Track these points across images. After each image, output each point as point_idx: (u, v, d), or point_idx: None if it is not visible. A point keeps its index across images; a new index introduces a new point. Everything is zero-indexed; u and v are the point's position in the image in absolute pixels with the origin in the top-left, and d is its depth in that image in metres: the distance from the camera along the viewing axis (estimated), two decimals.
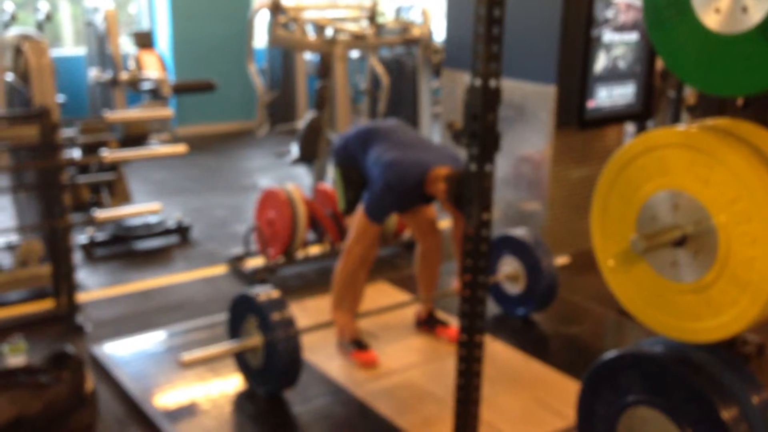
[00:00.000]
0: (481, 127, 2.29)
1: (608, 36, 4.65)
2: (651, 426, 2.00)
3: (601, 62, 4.68)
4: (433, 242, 3.71)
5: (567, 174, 4.93)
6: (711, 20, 1.77)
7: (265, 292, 3.22)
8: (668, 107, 6.06)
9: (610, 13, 4.62)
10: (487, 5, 2.18)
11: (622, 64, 4.81)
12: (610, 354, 2.10)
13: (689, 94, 4.77)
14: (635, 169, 1.96)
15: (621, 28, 4.71)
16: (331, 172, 5.62)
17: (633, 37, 4.79)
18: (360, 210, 3.40)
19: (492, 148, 2.34)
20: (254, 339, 3.19)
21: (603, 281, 2.22)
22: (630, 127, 6.34)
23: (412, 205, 3.50)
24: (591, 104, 4.73)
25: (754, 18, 1.68)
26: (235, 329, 3.34)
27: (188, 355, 3.14)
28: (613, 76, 4.79)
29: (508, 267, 3.97)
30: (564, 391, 3.33)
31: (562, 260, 4.03)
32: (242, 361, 3.33)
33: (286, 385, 3.21)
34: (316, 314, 4.05)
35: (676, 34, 1.85)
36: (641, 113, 5.11)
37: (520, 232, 3.98)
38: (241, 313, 3.29)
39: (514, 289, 3.99)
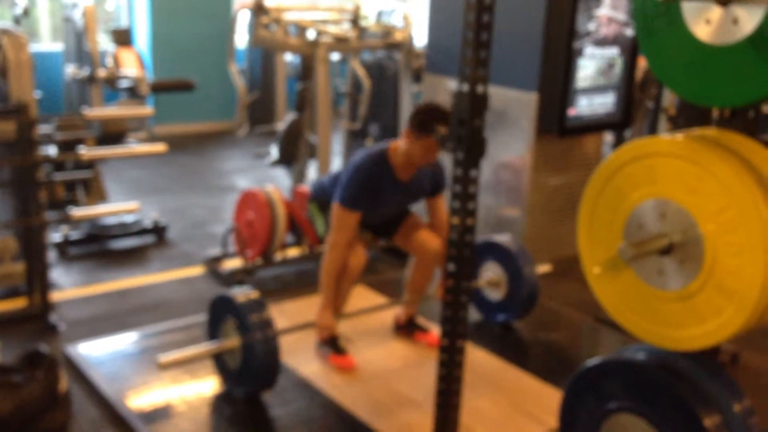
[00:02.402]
0: (468, 133, 2.29)
1: (589, 50, 4.68)
2: None
3: (581, 73, 4.71)
4: (435, 258, 3.61)
5: (546, 181, 4.95)
6: (702, 31, 1.78)
7: (244, 294, 3.19)
8: (646, 117, 6.12)
9: (591, 26, 4.65)
10: (476, 11, 2.18)
11: (602, 76, 4.84)
12: (594, 360, 2.10)
13: (669, 104, 4.81)
14: (623, 177, 1.97)
15: (602, 42, 4.75)
16: (311, 174, 5.61)
17: (614, 51, 4.83)
18: (334, 205, 3.38)
19: (478, 154, 2.34)
20: (232, 340, 3.16)
21: (581, 288, 2.22)
22: (609, 137, 6.39)
23: (385, 197, 3.41)
24: (572, 112, 4.76)
25: (745, 29, 1.70)
26: (213, 330, 3.30)
27: (165, 357, 3.11)
28: (593, 86, 4.82)
29: (490, 273, 3.97)
30: (542, 398, 3.34)
31: (543, 268, 4.04)
32: (220, 363, 3.30)
33: (264, 386, 3.18)
34: (295, 316, 4.02)
35: (667, 44, 1.86)
36: (620, 122, 5.15)
37: (503, 238, 3.97)
38: (220, 314, 3.25)
39: (495, 295, 3.99)
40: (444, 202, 3.54)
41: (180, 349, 3.22)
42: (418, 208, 3.80)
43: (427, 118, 3.22)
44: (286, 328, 3.40)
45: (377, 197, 3.38)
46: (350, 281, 3.49)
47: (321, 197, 3.65)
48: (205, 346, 3.22)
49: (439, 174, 3.53)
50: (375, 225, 3.68)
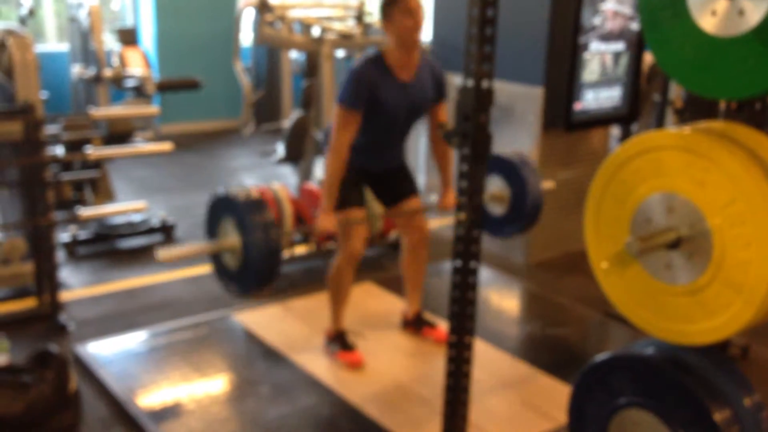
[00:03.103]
0: (473, 128, 2.29)
1: (595, 44, 4.66)
2: (643, 428, 1.99)
3: (588, 68, 4.69)
4: (420, 236, 3.68)
5: (553, 175, 4.93)
6: (707, 23, 1.77)
7: (244, 192, 3.05)
8: (653, 110, 6.10)
9: (597, 20, 4.63)
10: (481, 6, 2.18)
11: (608, 70, 4.83)
12: (602, 356, 2.09)
13: (675, 97, 4.79)
14: (630, 171, 1.95)
15: (608, 36, 4.73)
16: (317, 171, 5.60)
17: (619, 46, 4.82)
18: (335, 108, 3.34)
19: (484, 149, 2.34)
20: (233, 239, 2.99)
21: (589, 282, 2.21)
22: (615, 130, 6.37)
23: (387, 98, 3.33)
24: (578, 106, 4.74)
25: (751, 21, 1.68)
26: (212, 230, 3.15)
27: (164, 252, 2.99)
28: (600, 80, 4.80)
29: (494, 187, 3.76)
30: (551, 393, 3.33)
31: (548, 184, 3.86)
32: (219, 264, 3.15)
33: (263, 284, 3.03)
34: (303, 314, 4.03)
35: (672, 36, 1.85)
36: (627, 116, 5.13)
37: (508, 153, 3.79)
38: (219, 213, 3.10)
39: (498, 209, 3.79)
40: (446, 110, 3.54)
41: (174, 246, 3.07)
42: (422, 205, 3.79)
43: None
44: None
45: (378, 98, 3.30)
46: (352, 267, 3.53)
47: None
48: (206, 244, 3.08)
49: (439, 75, 3.49)
50: (382, 173, 3.59)
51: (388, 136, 3.48)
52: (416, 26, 3.26)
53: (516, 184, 3.71)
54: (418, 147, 5.78)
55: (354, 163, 3.40)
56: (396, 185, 3.62)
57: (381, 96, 3.29)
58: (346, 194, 3.42)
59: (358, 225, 3.45)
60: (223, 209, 3.07)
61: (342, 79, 3.36)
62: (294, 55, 7.59)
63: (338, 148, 3.30)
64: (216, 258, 3.14)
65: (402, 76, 3.34)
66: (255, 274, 2.97)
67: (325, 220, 3.33)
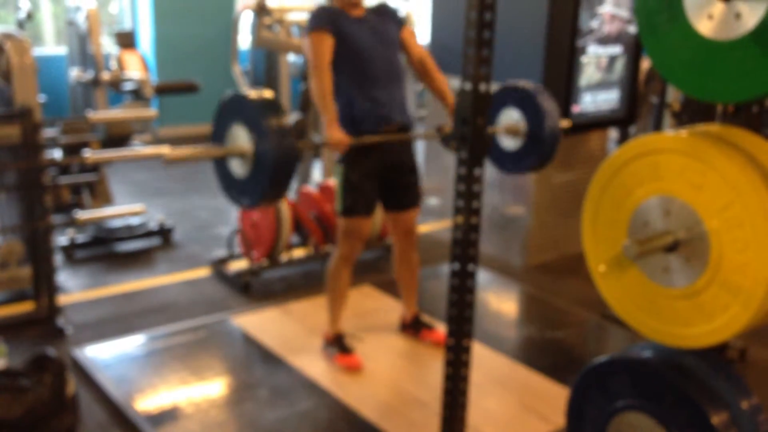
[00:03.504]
0: (471, 131, 2.29)
1: (592, 48, 4.67)
2: (641, 431, 1.99)
3: (585, 71, 4.70)
4: (409, 241, 3.67)
5: (551, 178, 4.94)
6: (704, 26, 1.77)
7: (257, 93, 2.85)
8: (650, 113, 6.11)
9: (594, 23, 4.64)
10: (478, 9, 2.18)
11: (606, 73, 4.83)
12: (600, 359, 2.09)
13: (673, 100, 4.79)
14: (627, 174, 1.95)
15: (605, 39, 4.74)
16: (315, 174, 5.60)
17: (617, 49, 4.83)
18: (304, 42, 3.41)
19: (482, 152, 2.34)
20: (244, 145, 2.79)
21: (587, 285, 2.22)
22: (613, 133, 6.38)
23: (352, 32, 3.38)
24: (576, 109, 4.74)
25: (748, 24, 1.68)
26: (219, 136, 2.93)
27: (171, 152, 2.83)
28: (597, 83, 4.81)
29: (509, 119, 3.53)
30: (549, 396, 3.33)
31: (565, 123, 3.56)
32: (224, 173, 2.96)
33: (275, 196, 2.87)
34: (301, 317, 4.03)
35: (669, 39, 1.85)
36: (625, 119, 5.14)
37: (525, 83, 3.57)
38: (229, 117, 2.90)
39: (512, 144, 3.57)
40: (412, 33, 3.60)
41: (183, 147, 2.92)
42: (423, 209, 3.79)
43: None
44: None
45: (341, 29, 3.36)
46: (349, 268, 3.54)
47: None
48: (214, 146, 2.90)
49: (389, 10, 3.57)
50: (393, 158, 3.51)
51: (375, 76, 3.42)
52: None
53: (532, 115, 3.49)
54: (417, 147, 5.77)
55: (364, 126, 3.36)
56: (403, 191, 3.59)
57: (343, 29, 3.37)
58: (357, 201, 3.41)
59: (361, 232, 3.45)
60: (233, 113, 2.87)
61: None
62: (292, 58, 7.59)
63: (320, 65, 3.32)
64: (223, 167, 2.94)
65: (354, 12, 3.44)
66: (268, 178, 2.75)
67: (334, 132, 3.24)
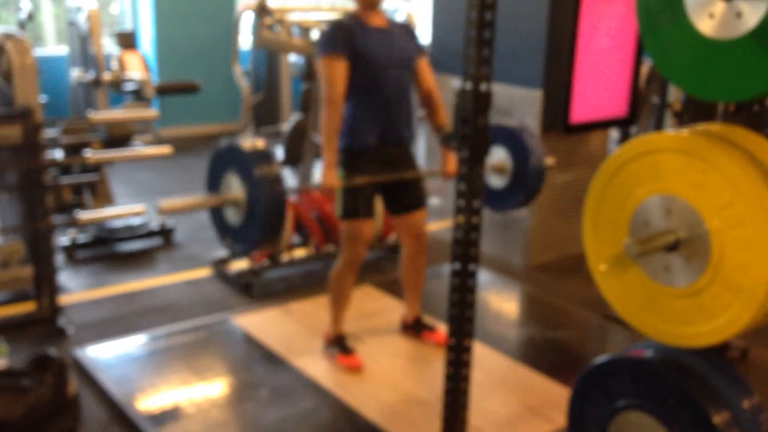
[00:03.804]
0: (472, 131, 2.29)
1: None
2: (642, 431, 1.99)
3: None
4: (418, 245, 3.67)
5: (552, 178, 4.94)
6: (705, 25, 1.77)
7: (249, 142, 2.97)
8: (651, 113, 6.11)
9: None
10: (479, 9, 2.18)
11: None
12: (601, 358, 2.09)
13: (674, 99, 4.79)
14: (628, 174, 1.95)
15: None
16: (316, 174, 5.60)
17: None
18: (318, 64, 3.36)
19: (482, 152, 2.34)
20: (237, 193, 2.92)
21: (589, 285, 2.21)
22: (614, 133, 6.38)
23: (368, 43, 3.32)
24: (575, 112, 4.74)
25: (749, 23, 1.68)
26: (214, 184, 3.08)
27: (166, 203, 2.96)
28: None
29: (496, 157, 3.68)
30: (551, 396, 3.33)
31: (550, 161, 3.75)
32: (218, 219, 3.08)
33: (267, 241, 2.99)
34: (302, 317, 4.03)
35: (670, 39, 1.85)
36: (626, 118, 5.13)
37: (512, 122, 3.75)
38: (222, 165, 3.02)
39: (498, 181, 3.72)
40: (427, 65, 3.56)
41: (177, 197, 3.04)
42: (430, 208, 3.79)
43: None
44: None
45: (357, 45, 3.29)
46: (354, 273, 3.52)
47: (347, 153, 3.44)
48: (209, 196, 3.02)
49: (408, 28, 3.53)
50: (397, 160, 3.53)
51: (385, 94, 3.39)
52: None
53: (518, 153, 3.61)
54: (417, 148, 5.77)
55: (367, 140, 3.37)
56: (406, 194, 3.57)
57: (359, 44, 3.30)
58: (357, 203, 3.40)
59: (365, 229, 3.44)
60: (227, 162, 2.97)
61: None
62: (293, 58, 7.60)
63: (333, 98, 3.28)
64: (217, 214, 3.04)
65: (373, 21, 3.37)
66: (260, 227, 2.87)
67: (329, 177, 3.27)
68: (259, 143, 2.96)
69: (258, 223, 2.89)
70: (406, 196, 3.56)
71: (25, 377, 2.97)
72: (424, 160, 5.70)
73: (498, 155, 3.67)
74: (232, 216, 2.99)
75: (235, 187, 2.93)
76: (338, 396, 3.31)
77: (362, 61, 3.30)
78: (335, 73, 3.28)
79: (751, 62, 1.70)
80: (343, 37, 3.28)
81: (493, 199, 3.75)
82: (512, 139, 3.64)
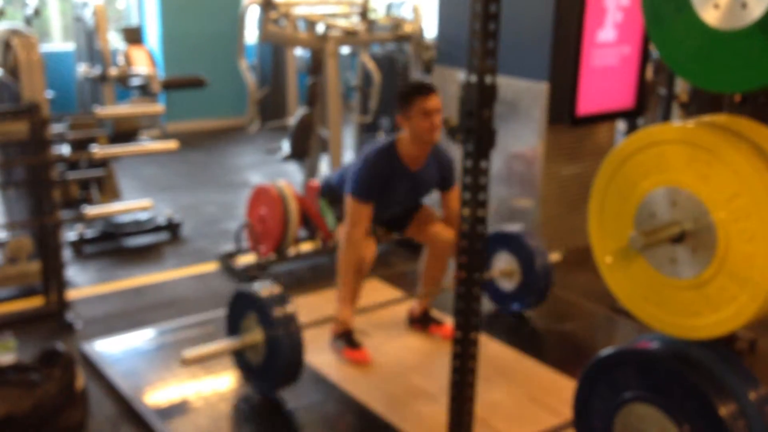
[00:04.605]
0: (477, 124, 2.28)
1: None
2: (648, 422, 1.99)
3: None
4: (446, 246, 3.63)
5: (559, 171, 4.93)
6: (710, 16, 1.76)
7: (266, 288, 3.14)
8: (659, 104, 6.08)
9: None
10: (483, 1, 2.17)
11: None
12: (607, 350, 2.09)
13: (681, 91, 4.77)
14: (633, 166, 1.95)
15: None
16: (323, 168, 5.61)
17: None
18: (347, 197, 3.38)
19: (487, 145, 2.33)
20: (255, 335, 3.10)
21: (596, 278, 2.21)
22: (621, 125, 6.36)
23: (396, 187, 3.41)
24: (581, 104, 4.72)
25: (754, 14, 1.68)
26: (233, 325, 3.27)
27: (189, 353, 3.06)
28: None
29: (503, 263, 3.96)
30: (558, 388, 3.33)
31: (555, 257, 4.02)
32: (240, 359, 3.28)
33: (287, 382, 3.14)
34: (309, 311, 4.02)
35: (675, 30, 1.85)
36: (633, 110, 5.11)
37: (514, 227, 3.98)
38: (241, 308, 3.21)
39: (508, 285, 3.99)
40: (457, 194, 3.53)
41: (201, 345, 3.16)
42: (433, 201, 3.80)
43: (406, 91, 3.32)
44: (310, 322, 3.35)
45: (388, 188, 3.38)
46: (361, 274, 3.49)
47: (330, 193, 3.67)
48: (228, 342, 3.18)
49: (446, 163, 3.53)
50: (387, 220, 3.68)
51: (391, 211, 3.60)
52: (433, 128, 3.28)
53: (523, 256, 3.90)
54: None
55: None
56: (403, 215, 3.70)
57: (390, 186, 3.38)
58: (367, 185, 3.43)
59: (366, 251, 3.45)
60: (246, 305, 3.17)
61: (354, 165, 3.44)
62: (299, 52, 7.59)
63: (353, 241, 3.36)
64: (239, 354, 3.24)
65: (412, 166, 3.41)
66: (279, 370, 3.07)
67: (344, 312, 3.41)
68: (275, 289, 3.16)
69: (276, 366, 3.09)
70: (410, 216, 3.69)
71: (33, 372, 2.98)
72: None
73: (504, 260, 3.95)
74: (253, 357, 3.19)
75: (254, 328, 3.14)
76: (345, 389, 3.31)
77: (383, 196, 3.40)
78: (360, 217, 3.35)
79: (756, 53, 1.69)
80: (378, 187, 3.35)
81: (506, 302, 4.02)
82: (515, 243, 3.92)
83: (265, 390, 3.20)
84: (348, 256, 3.39)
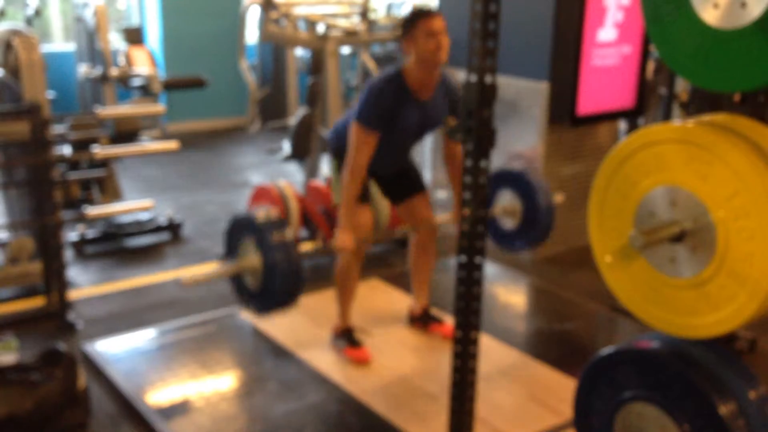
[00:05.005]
0: (477, 123, 2.29)
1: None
2: (648, 422, 1.99)
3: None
4: (428, 231, 3.68)
5: (559, 170, 4.94)
6: (709, 15, 1.76)
7: (264, 212, 3.03)
8: (659, 104, 6.09)
9: None
10: (483, 1, 2.18)
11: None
12: (607, 350, 2.09)
13: (681, 90, 4.78)
14: (633, 165, 1.95)
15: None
16: (324, 168, 5.61)
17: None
18: (352, 125, 3.29)
19: (487, 144, 2.33)
20: (253, 259, 2.99)
21: (596, 277, 2.21)
22: (622, 124, 6.36)
23: (403, 116, 3.30)
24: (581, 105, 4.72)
25: (753, 13, 1.68)
26: (231, 250, 3.14)
27: (188, 276, 2.97)
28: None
29: (506, 201, 3.79)
30: (558, 388, 3.33)
31: (558, 197, 3.85)
32: (238, 284, 3.15)
33: (285, 304, 3.03)
34: (310, 311, 4.04)
35: (674, 29, 1.85)
36: (633, 110, 5.11)
37: (517, 165, 3.85)
38: (239, 234, 3.09)
39: (510, 223, 3.82)
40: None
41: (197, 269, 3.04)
42: (433, 202, 3.80)
43: (409, 16, 3.25)
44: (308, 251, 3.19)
45: (395, 116, 3.27)
46: (358, 265, 3.53)
47: (340, 151, 3.47)
48: (227, 265, 3.07)
49: (454, 92, 3.42)
50: (387, 179, 3.62)
51: (398, 148, 3.49)
52: (439, 48, 3.18)
53: (526, 194, 3.73)
54: (423, 143, 5.77)
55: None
56: (404, 183, 3.64)
57: (398, 116, 3.27)
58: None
59: (361, 218, 3.45)
60: (243, 230, 3.06)
61: (361, 94, 3.32)
62: (299, 52, 7.60)
63: (356, 169, 3.28)
64: (236, 278, 3.14)
65: (421, 97, 3.31)
66: (276, 294, 2.97)
67: (344, 238, 3.29)
68: (272, 212, 3.04)
69: (274, 291, 2.98)
70: (404, 183, 3.62)
71: (34, 372, 2.99)
72: (430, 154, 5.71)
73: (506, 198, 3.80)
74: (251, 282, 3.08)
75: (251, 253, 3.02)
76: (346, 389, 3.32)
77: (391, 128, 3.29)
78: (364, 145, 3.25)
79: (756, 52, 1.69)
80: (385, 113, 3.24)
81: (507, 241, 3.87)
82: (518, 181, 3.76)
83: (264, 311, 3.08)
84: (349, 184, 3.28)
